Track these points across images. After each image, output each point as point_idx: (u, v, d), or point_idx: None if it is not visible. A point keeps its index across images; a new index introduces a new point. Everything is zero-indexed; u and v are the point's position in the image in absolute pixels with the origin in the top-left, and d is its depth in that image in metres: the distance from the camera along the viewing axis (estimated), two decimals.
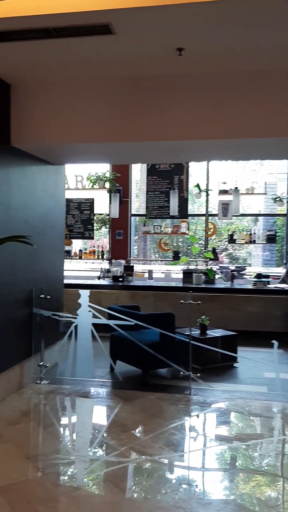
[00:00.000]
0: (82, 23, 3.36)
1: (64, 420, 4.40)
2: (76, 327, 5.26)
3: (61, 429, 4.18)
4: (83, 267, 10.45)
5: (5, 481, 3.09)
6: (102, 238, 10.76)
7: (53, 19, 3.30)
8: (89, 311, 5.24)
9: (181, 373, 5.05)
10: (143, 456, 3.53)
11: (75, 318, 5.27)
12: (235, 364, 6.06)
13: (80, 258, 9.74)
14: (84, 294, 5.29)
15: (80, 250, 9.79)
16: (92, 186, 9.49)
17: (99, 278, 8.76)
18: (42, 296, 5.25)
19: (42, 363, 5.25)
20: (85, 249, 10.03)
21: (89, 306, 5.25)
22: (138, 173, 10.86)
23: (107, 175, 9.41)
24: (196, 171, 9.84)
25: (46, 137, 4.71)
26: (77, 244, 10.29)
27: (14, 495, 2.93)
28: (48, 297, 5.32)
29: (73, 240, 9.82)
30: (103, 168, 9.58)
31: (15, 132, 4.72)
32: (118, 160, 7.45)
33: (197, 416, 4.44)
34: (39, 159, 5.38)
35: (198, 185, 9.10)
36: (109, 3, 3.14)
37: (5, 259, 4.55)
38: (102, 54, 3.95)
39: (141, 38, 3.64)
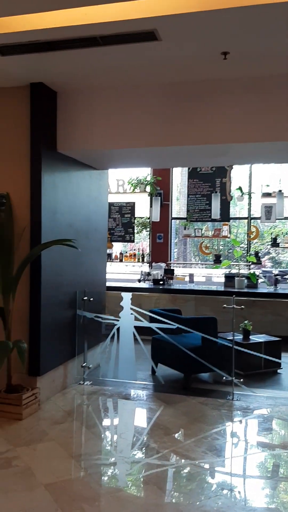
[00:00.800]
0: (128, 30, 3.41)
1: (107, 421, 4.46)
2: (118, 329, 5.33)
3: (104, 430, 4.24)
4: (123, 269, 10.56)
5: (52, 479, 3.17)
6: (142, 241, 10.83)
7: (100, 27, 3.37)
8: (131, 314, 5.30)
9: (224, 378, 5.00)
10: (185, 460, 3.53)
11: (117, 320, 5.34)
12: (278, 370, 5.94)
13: (121, 261, 9.84)
14: (127, 296, 5.35)
15: (121, 253, 9.89)
16: (133, 190, 9.58)
17: (139, 281, 8.83)
18: (86, 298, 5.35)
19: (85, 364, 5.34)
20: (126, 252, 10.13)
21: (131, 308, 5.31)
22: (179, 176, 10.88)
23: (148, 178, 9.47)
24: (239, 174, 9.74)
25: (90, 143, 4.80)
26: (117, 247, 10.41)
27: (60, 492, 3.00)
28: (91, 299, 5.42)
29: (114, 243, 9.95)
30: (144, 172, 9.65)
31: (61, 138, 4.84)
32: (161, 164, 7.49)
33: (240, 421, 4.39)
34: (84, 164, 5.50)
35: (240, 188, 9.00)
36: (155, 10, 3.17)
37: (51, 262, 4.67)
38: (146, 60, 4.00)
39: (185, 43, 3.65)
